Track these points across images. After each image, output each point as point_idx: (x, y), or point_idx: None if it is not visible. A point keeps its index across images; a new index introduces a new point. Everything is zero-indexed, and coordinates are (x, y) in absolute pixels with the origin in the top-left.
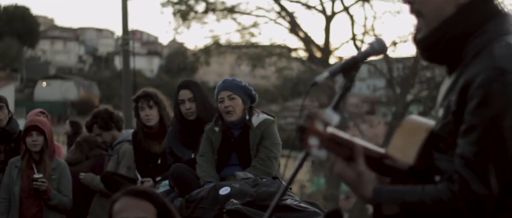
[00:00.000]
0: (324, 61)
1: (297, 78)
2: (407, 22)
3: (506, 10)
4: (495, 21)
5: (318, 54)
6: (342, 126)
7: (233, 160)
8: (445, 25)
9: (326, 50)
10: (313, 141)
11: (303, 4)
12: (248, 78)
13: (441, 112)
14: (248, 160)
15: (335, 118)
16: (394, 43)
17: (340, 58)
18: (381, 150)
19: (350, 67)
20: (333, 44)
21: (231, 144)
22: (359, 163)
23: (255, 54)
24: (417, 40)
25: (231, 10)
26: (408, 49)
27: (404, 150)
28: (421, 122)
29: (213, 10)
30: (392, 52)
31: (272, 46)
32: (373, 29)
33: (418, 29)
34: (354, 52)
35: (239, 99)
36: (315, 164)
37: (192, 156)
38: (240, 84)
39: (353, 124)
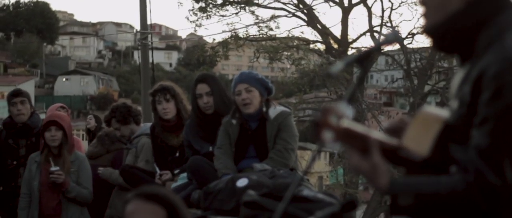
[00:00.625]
0: (341, 53)
1: (314, 71)
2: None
3: None
4: (507, 12)
5: (335, 46)
6: (359, 118)
7: (250, 152)
8: (454, 18)
9: (344, 42)
10: (328, 135)
11: None
12: (266, 71)
13: (455, 103)
14: (265, 152)
15: (349, 111)
16: (412, 34)
17: (358, 50)
18: (396, 142)
19: (365, 58)
20: (350, 36)
21: (249, 136)
22: (374, 155)
23: (273, 47)
24: (425, 30)
25: (249, 2)
26: (425, 40)
27: (419, 141)
28: (436, 113)
29: (231, 3)
30: (409, 43)
31: (289, 38)
32: (390, 21)
33: (425, 16)
34: (371, 44)
35: (256, 91)
36: (334, 156)
37: (210, 149)
38: (257, 77)
39: (371, 115)
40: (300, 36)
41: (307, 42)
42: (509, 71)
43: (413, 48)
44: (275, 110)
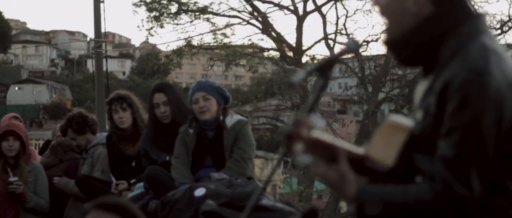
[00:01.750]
0: (296, 61)
1: (269, 78)
2: (379, 21)
3: (479, 11)
4: (469, 22)
5: (290, 54)
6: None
7: (207, 161)
8: (409, 34)
9: (298, 50)
10: (299, 147)
11: (275, 5)
12: (221, 79)
13: (420, 113)
14: (222, 161)
15: (320, 123)
16: (366, 42)
17: (312, 57)
18: (362, 151)
19: (325, 67)
20: (305, 44)
21: (206, 145)
22: (342, 164)
23: (227, 55)
24: (385, 43)
25: (204, 10)
26: (380, 48)
27: (384, 151)
28: (401, 122)
29: (186, 11)
30: (363, 51)
31: (244, 46)
32: (345, 28)
33: (385, 31)
34: (326, 52)
35: (214, 100)
36: (288, 165)
37: (167, 159)
38: (214, 85)
39: (326, 123)
40: (255, 44)
41: (262, 50)
42: (474, 82)
43: (367, 56)
44: (232, 119)
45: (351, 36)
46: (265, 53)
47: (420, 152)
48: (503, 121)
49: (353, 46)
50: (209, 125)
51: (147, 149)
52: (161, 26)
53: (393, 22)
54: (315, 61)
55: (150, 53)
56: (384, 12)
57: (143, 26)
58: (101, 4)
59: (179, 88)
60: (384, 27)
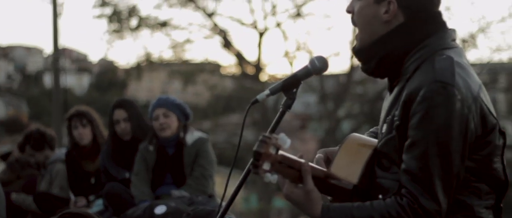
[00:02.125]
0: (256, 77)
1: (229, 95)
2: (340, 38)
3: (447, 25)
4: (436, 36)
5: (250, 70)
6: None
7: (168, 178)
8: (378, 43)
9: (259, 66)
10: (266, 166)
11: (236, 20)
12: (180, 94)
13: (384, 128)
14: (183, 178)
15: (287, 142)
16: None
17: (272, 75)
18: (326, 170)
19: (290, 85)
20: (265, 60)
21: (166, 163)
22: (308, 183)
23: (187, 70)
24: (354, 51)
25: (164, 25)
26: (340, 65)
27: (348, 169)
28: (364, 140)
29: (146, 25)
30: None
31: (204, 63)
32: (305, 45)
33: (356, 38)
34: (286, 68)
35: (174, 116)
36: (248, 182)
37: (127, 176)
38: (175, 102)
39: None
40: (214, 60)
41: (222, 66)
42: (438, 94)
43: (328, 73)
44: (192, 136)
45: (317, 55)
46: (224, 69)
47: (383, 169)
48: (468, 134)
49: (319, 65)
50: (169, 142)
51: (107, 165)
52: (121, 38)
53: (364, 30)
54: (277, 79)
55: (108, 68)
56: (356, 20)
57: (104, 38)
58: (59, 19)
59: (137, 104)
60: (349, 40)
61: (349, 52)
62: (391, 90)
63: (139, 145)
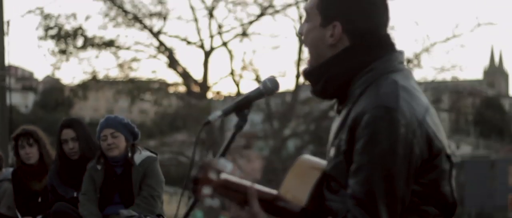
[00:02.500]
0: (202, 96)
1: (174, 113)
2: (285, 57)
3: (396, 47)
4: (382, 59)
5: (196, 89)
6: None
7: (116, 198)
8: (324, 65)
9: (204, 85)
10: (206, 191)
11: (182, 39)
12: (126, 113)
13: (332, 151)
14: (131, 198)
15: (228, 166)
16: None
17: (218, 93)
18: (274, 192)
19: (243, 106)
20: (211, 79)
21: (114, 182)
22: (254, 205)
23: (133, 89)
24: (303, 73)
25: (110, 44)
26: (286, 84)
27: (297, 191)
28: (314, 162)
29: (92, 44)
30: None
31: (149, 81)
32: (251, 64)
33: (306, 60)
34: (232, 87)
35: (122, 136)
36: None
37: (75, 195)
38: (123, 122)
39: (231, 158)
40: (160, 79)
41: (167, 84)
42: (383, 118)
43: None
44: (140, 155)
45: (269, 76)
46: (171, 88)
47: (331, 191)
48: (413, 158)
49: (271, 86)
50: (117, 162)
51: (55, 184)
52: (67, 59)
53: (311, 53)
54: (223, 97)
55: (54, 86)
56: (305, 42)
57: (45, 55)
58: (5, 37)
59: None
60: (295, 60)
61: (294, 72)
62: (339, 112)
63: (87, 164)
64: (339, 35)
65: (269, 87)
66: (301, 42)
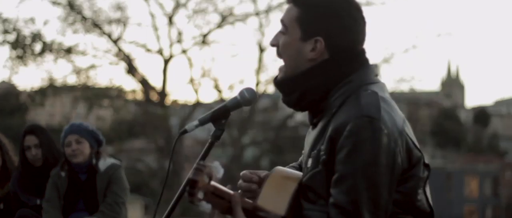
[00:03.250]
0: (160, 103)
1: (132, 120)
2: (244, 65)
3: (370, 61)
4: (360, 71)
5: (155, 96)
6: (178, 169)
7: (80, 205)
8: (301, 77)
9: (163, 92)
10: (200, 195)
11: (141, 46)
12: (83, 119)
13: (309, 162)
14: (95, 205)
15: (221, 171)
16: (231, 87)
17: (175, 101)
18: (254, 202)
19: (220, 116)
20: (170, 86)
21: (78, 189)
22: (238, 213)
23: (91, 95)
24: (275, 82)
25: (69, 50)
26: None
27: (275, 201)
28: (289, 173)
29: (50, 50)
30: (228, 95)
31: (107, 88)
32: (210, 72)
33: (279, 70)
34: (192, 95)
35: (86, 143)
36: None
37: (38, 202)
38: (87, 129)
39: (189, 166)
40: (119, 86)
41: (125, 91)
42: (365, 128)
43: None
44: (105, 163)
45: (247, 86)
46: (129, 95)
47: (309, 201)
48: (395, 168)
49: (248, 96)
50: (81, 168)
51: (17, 191)
52: (25, 65)
53: (288, 64)
54: (180, 106)
55: (9, 92)
56: (281, 53)
57: (5, 66)
58: None
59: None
60: (254, 68)
61: (254, 80)
62: (314, 125)
63: (51, 171)
64: (321, 50)
65: (246, 98)
66: (261, 51)
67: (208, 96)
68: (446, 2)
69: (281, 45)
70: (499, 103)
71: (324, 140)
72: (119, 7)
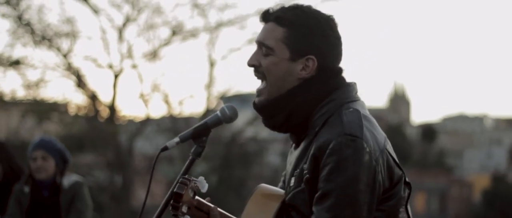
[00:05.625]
0: (110, 118)
1: (80, 134)
2: (193, 80)
3: (349, 81)
4: (341, 90)
5: (104, 111)
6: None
7: None
8: (287, 96)
9: (113, 107)
10: (185, 209)
11: (91, 60)
12: (31, 133)
13: (292, 181)
14: None
15: (205, 186)
16: (181, 102)
17: (124, 116)
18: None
19: (200, 133)
20: (120, 101)
21: (41, 205)
22: None
23: (40, 110)
24: (258, 105)
25: (17, 63)
26: (194, 107)
27: None
28: (272, 190)
29: None
30: (177, 109)
31: (56, 104)
32: (160, 87)
33: (259, 92)
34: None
35: (53, 161)
36: None
37: None
38: (55, 147)
39: (140, 180)
40: (67, 99)
41: (76, 106)
42: (347, 146)
43: (181, 116)
44: (69, 179)
45: (227, 104)
46: (78, 110)
47: None
48: (376, 186)
49: (230, 114)
50: (45, 185)
51: None
52: None
53: (274, 85)
54: (129, 120)
55: None
56: (266, 75)
57: None
58: None
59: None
60: (205, 83)
61: (205, 95)
62: (297, 144)
63: (14, 186)
64: (314, 69)
65: (227, 115)
66: (212, 66)
67: (158, 111)
68: (393, 17)
69: (266, 66)
70: (446, 119)
71: (307, 159)
72: (69, 21)
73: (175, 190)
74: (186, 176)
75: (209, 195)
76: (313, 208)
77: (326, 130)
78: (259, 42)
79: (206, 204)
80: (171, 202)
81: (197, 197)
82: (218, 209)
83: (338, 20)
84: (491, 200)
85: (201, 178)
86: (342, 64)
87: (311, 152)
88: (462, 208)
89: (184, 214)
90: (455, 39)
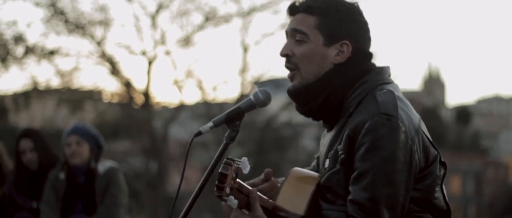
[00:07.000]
0: (145, 105)
1: (115, 122)
2: (227, 66)
3: (382, 65)
4: (374, 72)
5: (139, 98)
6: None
7: (78, 207)
8: (323, 82)
9: (147, 94)
10: (228, 190)
11: (124, 47)
12: (66, 122)
13: (327, 163)
14: (93, 207)
15: (248, 167)
16: (214, 88)
17: (158, 102)
18: (274, 202)
19: (234, 118)
20: (154, 87)
21: (77, 191)
22: (257, 209)
23: (74, 98)
24: (292, 91)
25: (52, 53)
26: (228, 92)
27: (294, 202)
28: (307, 173)
29: (33, 52)
30: (211, 95)
31: (91, 92)
32: (194, 73)
33: (292, 79)
34: (175, 96)
35: (87, 145)
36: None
37: (34, 205)
38: (90, 132)
39: (175, 167)
40: (102, 87)
41: (110, 94)
42: (384, 125)
43: (215, 101)
44: (104, 165)
45: (261, 88)
46: (113, 97)
47: (327, 201)
48: (413, 165)
49: (263, 98)
50: (80, 170)
51: (13, 195)
52: (6, 69)
53: (309, 70)
54: (164, 106)
55: None
56: (299, 62)
57: None
58: None
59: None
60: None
61: (239, 80)
62: (330, 127)
63: (49, 173)
64: (348, 53)
65: (260, 99)
66: (245, 51)
67: (192, 97)
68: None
69: (301, 53)
70: (481, 101)
71: (341, 140)
72: (102, 8)
73: (220, 170)
74: (230, 157)
75: (244, 180)
76: (350, 188)
77: (361, 110)
78: (293, 29)
79: (246, 187)
80: (216, 182)
81: (238, 180)
82: (258, 192)
83: (363, 7)
84: None
85: (244, 159)
86: (373, 49)
87: (346, 132)
88: (498, 190)
89: (228, 195)
90: (490, 19)
